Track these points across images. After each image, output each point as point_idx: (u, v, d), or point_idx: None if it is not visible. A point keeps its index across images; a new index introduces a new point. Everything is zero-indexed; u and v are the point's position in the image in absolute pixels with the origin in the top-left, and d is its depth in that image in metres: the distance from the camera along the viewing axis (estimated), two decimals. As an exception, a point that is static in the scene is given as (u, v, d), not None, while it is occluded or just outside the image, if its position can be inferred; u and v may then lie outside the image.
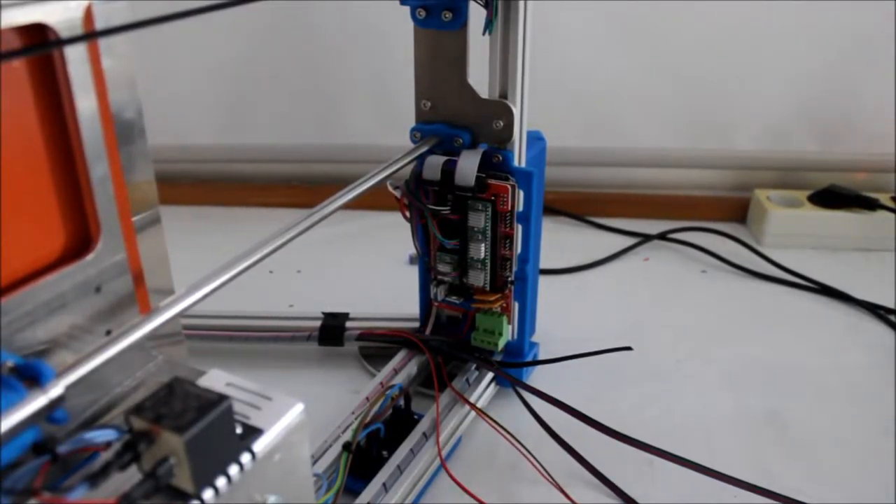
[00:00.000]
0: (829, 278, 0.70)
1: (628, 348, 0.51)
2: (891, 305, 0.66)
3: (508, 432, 0.48)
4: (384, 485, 0.42)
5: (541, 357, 0.56)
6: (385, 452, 0.45)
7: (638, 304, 0.68)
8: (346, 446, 0.44)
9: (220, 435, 0.23)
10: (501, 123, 0.47)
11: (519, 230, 0.49)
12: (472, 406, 0.50)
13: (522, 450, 0.47)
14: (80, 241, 0.30)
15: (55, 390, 0.23)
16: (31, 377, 0.23)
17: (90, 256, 0.30)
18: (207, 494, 0.23)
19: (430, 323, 0.55)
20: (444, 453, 0.46)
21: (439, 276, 0.52)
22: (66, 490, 0.22)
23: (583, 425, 0.46)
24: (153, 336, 0.28)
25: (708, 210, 0.85)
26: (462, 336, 0.53)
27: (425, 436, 0.46)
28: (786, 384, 0.57)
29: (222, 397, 0.23)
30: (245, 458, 0.24)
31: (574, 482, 0.46)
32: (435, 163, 0.48)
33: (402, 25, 0.47)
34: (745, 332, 0.64)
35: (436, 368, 0.51)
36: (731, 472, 0.44)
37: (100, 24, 0.28)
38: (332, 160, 0.92)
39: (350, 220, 0.81)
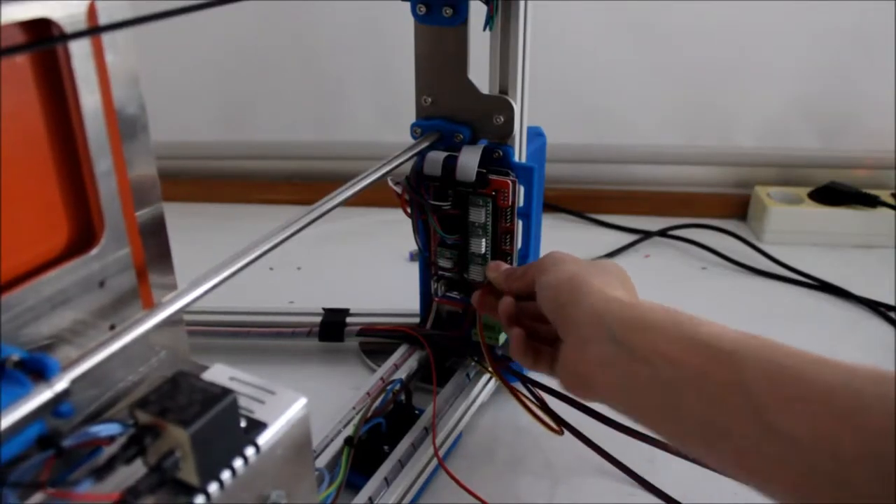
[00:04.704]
0: (829, 275, 0.70)
1: None
2: (891, 302, 0.66)
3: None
4: (385, 479, 0.42)
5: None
6: (386, 447, 0.45)
7: (638, 301, 0.68)
8: (348, 441, 0.44)
9: (225, 428, 0.23)
10: (502, 119, 0.47)
11: (519, 226, 0.49)
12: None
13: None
14: (84, 237, 0.30)
15: (60, 384, 0.24)
16: (36, 371, 0.23)
17: (94, 251, 0.30)
18: (212, 488, 0.23)
19: (431, 318, 0.55)
20: (445, 448, 0.47)
21: (440, 272, 0.52)
22: (71, 484, 0.22)
23: (584, 418, 0.46)
24: (156, 331, 0.28)
25: (708, 207, 0.85)
26: (462, 332, 0.53)
27: (426, 430, 0.47)
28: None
29: (227, 391, 0.23)
30: (249, 451, 0.24)
31: (581, 471, 0.46)
32: (436, 158, 0.48)
33: (402, 21, 0.47)
34: (745, 329, 0.63)
35: (434, 365, 0.51)
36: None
37: (103, 20, 0.28)
38: (333, 156, 0.92)
39: (351, 217, 0.81)
